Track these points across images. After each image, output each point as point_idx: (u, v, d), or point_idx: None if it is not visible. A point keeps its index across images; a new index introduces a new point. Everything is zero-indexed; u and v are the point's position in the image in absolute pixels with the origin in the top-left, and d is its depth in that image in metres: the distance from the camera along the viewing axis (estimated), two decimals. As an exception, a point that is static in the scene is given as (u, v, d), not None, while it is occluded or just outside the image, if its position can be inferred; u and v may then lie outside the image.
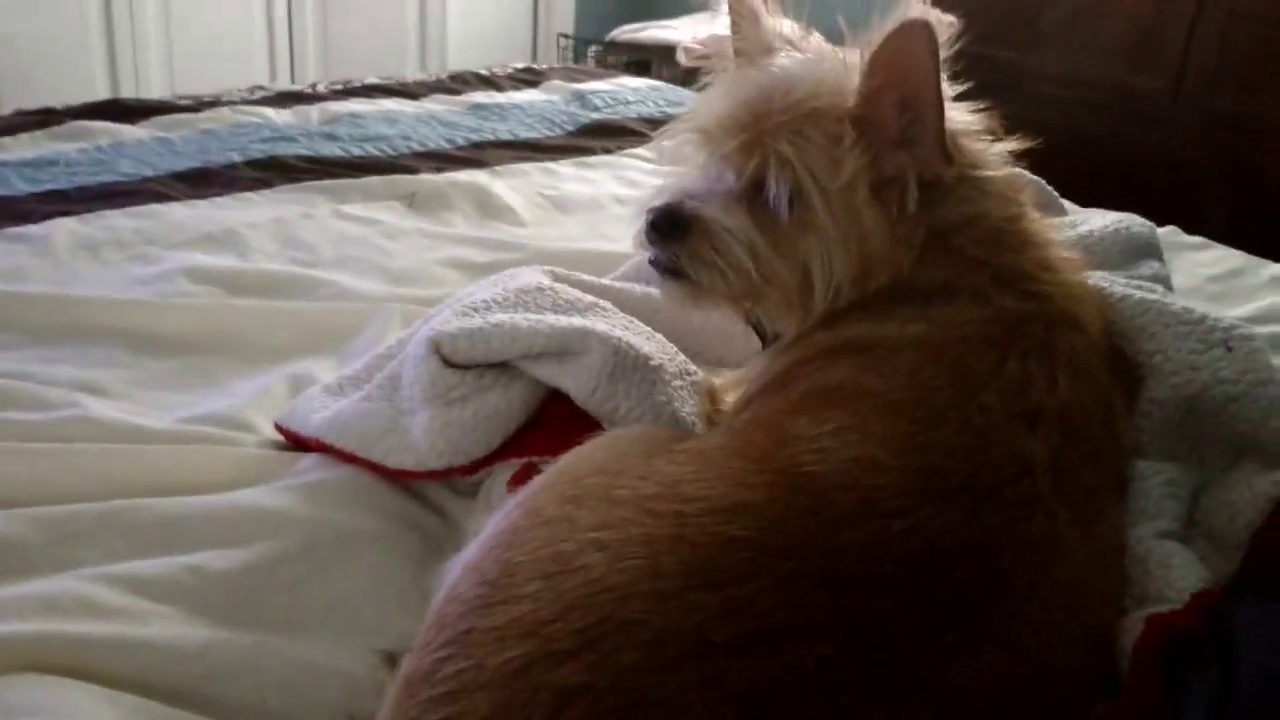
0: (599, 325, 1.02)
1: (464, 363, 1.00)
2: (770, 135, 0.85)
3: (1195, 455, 0.86)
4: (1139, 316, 0.90)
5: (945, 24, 0.83)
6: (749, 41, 0.95)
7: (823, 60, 0.90)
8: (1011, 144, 0.91)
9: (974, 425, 0.73)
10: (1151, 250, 1.16)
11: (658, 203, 0.91)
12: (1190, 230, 1.80)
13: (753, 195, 0.87)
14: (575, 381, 0.99)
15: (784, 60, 0.90)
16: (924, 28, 0.79)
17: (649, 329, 1.09)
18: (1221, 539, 0.82)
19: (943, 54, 0.82)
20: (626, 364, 0.99)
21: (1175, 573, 0.75)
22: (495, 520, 0.75)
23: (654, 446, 0.78)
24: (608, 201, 1.81)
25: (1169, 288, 1.09)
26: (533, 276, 1.13)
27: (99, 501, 0.94)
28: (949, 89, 0.87)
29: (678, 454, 0.75)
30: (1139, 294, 0.92)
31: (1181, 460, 0.85)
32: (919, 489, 0.69)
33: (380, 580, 0.90)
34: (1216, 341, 0.87)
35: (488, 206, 1.72)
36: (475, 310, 1.03)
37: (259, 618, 0.85)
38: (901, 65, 0.81)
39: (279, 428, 1.06)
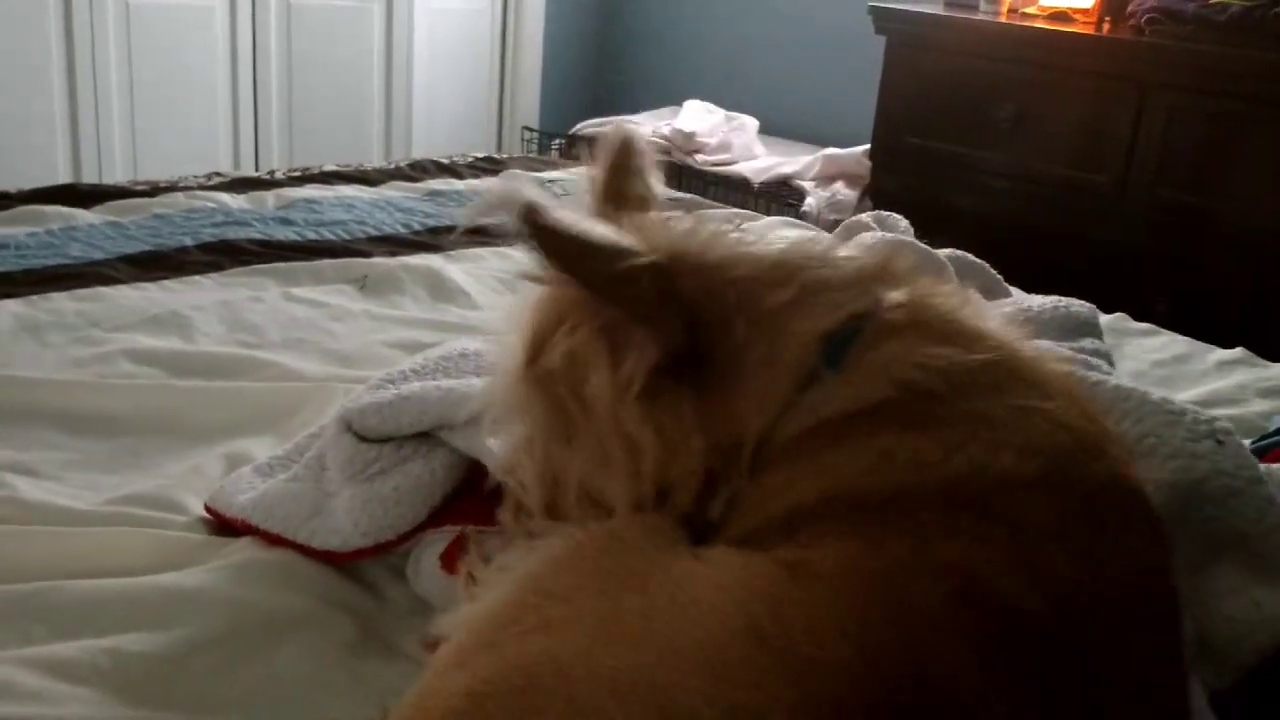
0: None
1: (377, 438, 0.98)
2: None
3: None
4: (1121, 402, 0.85)
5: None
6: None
7: None
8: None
9: None
10: (1090, 328, 1.16)
11: None
12: (1137, 318, 1.83)
13: None
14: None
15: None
16: None
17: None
18: (1220, 652, 0.76)
19: None
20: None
21: None
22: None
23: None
24: (562, 286, 1.81)
25: (1110, 363, 1.08)
26: (459, 343, 1.11)
27: (17, 584, 0.91)
28: None
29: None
30: (1113, 381, 0.88)
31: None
32: None
33: (307, 664, 0.87)
34: (1204, 434, 0.82)
35: (440, 289, 1.72)
36: (391, 381, 1.00)
37: (177, 701, 0.82)
38: None
39: (208, 509, 1.04)
